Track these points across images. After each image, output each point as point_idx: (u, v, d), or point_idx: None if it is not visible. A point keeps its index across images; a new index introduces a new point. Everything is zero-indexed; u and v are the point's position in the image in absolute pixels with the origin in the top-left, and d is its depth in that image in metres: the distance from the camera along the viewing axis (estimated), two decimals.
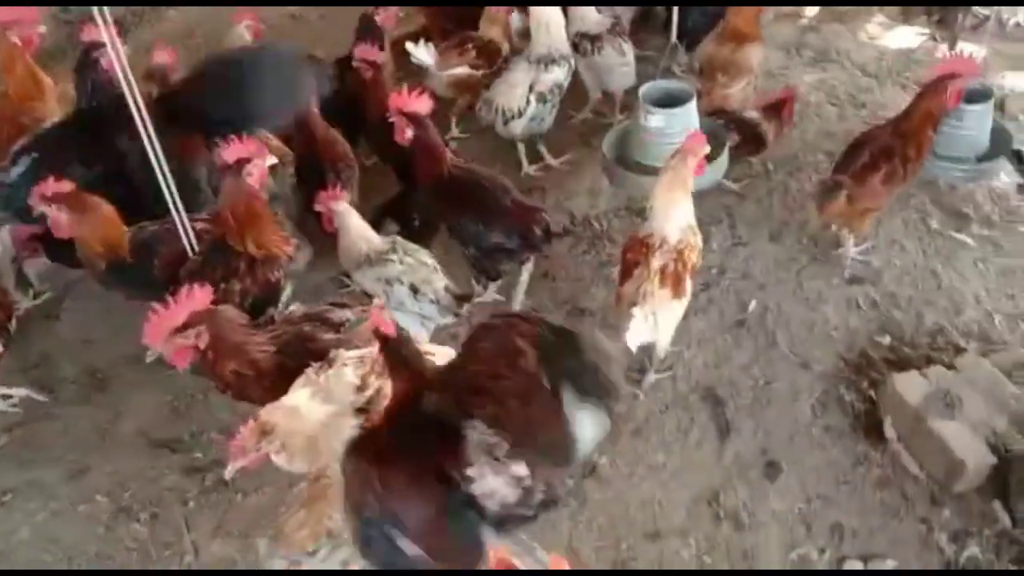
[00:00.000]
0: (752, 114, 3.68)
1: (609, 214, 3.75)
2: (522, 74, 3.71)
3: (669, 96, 3.45)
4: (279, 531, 2.20)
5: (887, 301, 3.21)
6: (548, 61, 3.68)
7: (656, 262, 2.61)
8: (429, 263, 2.92)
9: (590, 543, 2.55)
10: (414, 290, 2.85)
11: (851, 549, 2.47)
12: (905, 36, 4.71)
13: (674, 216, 2.70)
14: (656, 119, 3.37)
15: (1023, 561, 2.38)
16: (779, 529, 2.54)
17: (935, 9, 3.86)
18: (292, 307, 2.76)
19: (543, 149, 4.00)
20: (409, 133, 3.02)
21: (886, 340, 3.05)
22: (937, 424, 2.56)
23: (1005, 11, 3.82)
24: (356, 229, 3.00)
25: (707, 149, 2.80)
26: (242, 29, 4.10)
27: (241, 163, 2.66)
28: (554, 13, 3.67)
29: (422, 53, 3.82)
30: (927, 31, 4.53)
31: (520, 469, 1.92)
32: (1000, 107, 3.81)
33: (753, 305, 3.21)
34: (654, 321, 2.62)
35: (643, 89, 3.47)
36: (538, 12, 3.67)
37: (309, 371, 2.31)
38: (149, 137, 2.51)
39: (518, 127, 3.77)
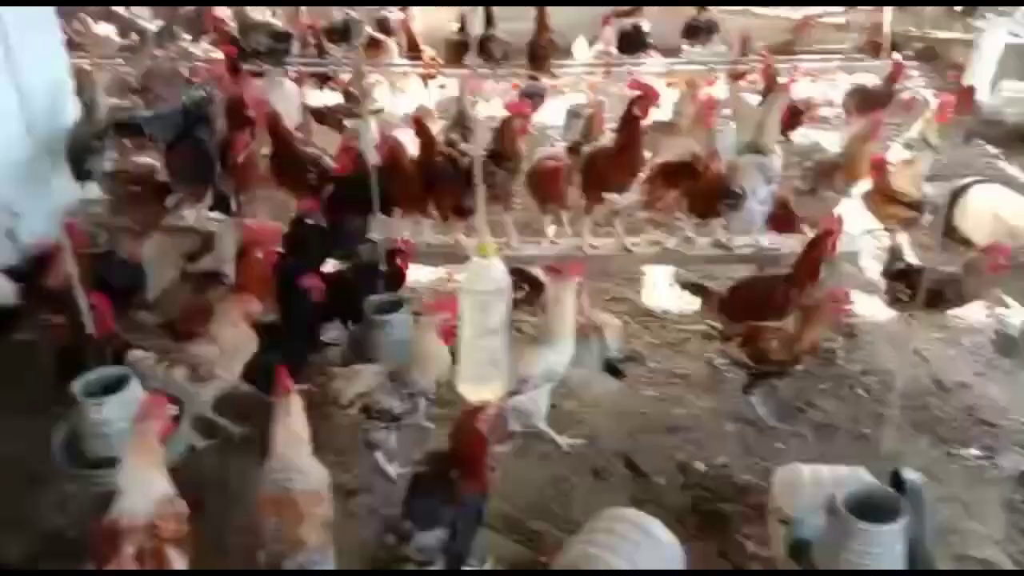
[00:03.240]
0: None
1: (85, 519, 3.40)
2: None
3: (112, 380, 3.32)
4: None
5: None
6: None
7: (129, 548, 2.42)
8: None
9: None
10: None
11: None
12: None
13: (145, 490, 2.56)
14: (109, 408, 3.21)
15: None
16: None
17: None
18: None
19: None
20: None
21: None
22: None
23: None
24: None
25: (173, 410, 2.77)
26: None
27: None
28: None
29: None
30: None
31: None
32: None
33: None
34: None
35: (79, 384, 3.27)
36: None
37: None
38: None
39: None
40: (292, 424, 2.78)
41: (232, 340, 3.52)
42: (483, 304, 2.48)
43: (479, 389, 2.63)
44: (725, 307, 4.01)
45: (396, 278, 4.22)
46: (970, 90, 5.53)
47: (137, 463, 2.57)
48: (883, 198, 4.65)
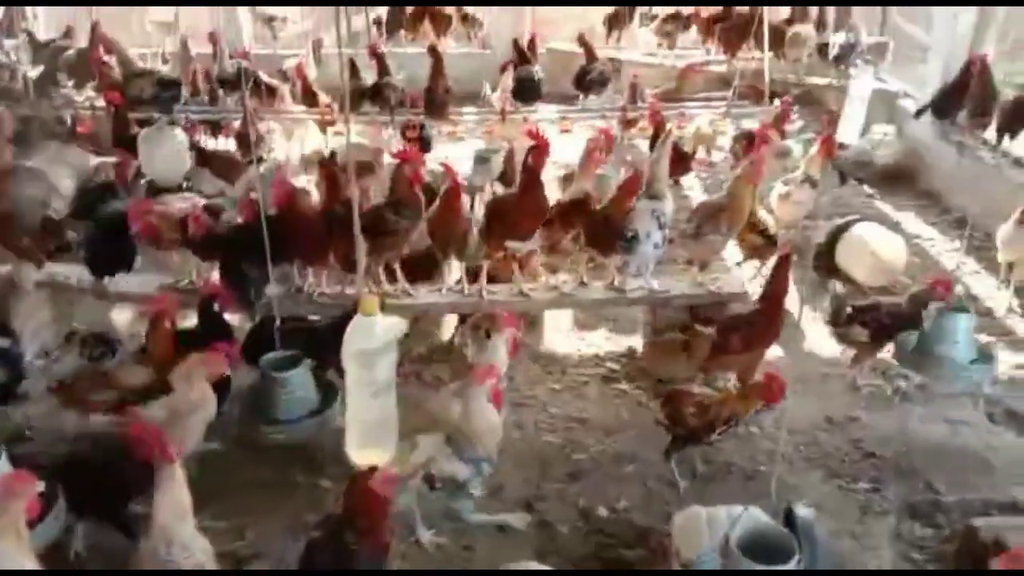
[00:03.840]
0: None
1: None
2: None
3: None
4: None
5: None
6: None
7: None
8: None
9: None
10: None
11: None
12: None
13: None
14: None
15: None
16: None
17: None
18: None
19: None
20: None
21: None
22: None
23: None
24: None
25: (39, 486, 2.59)
26: None
27: None
28: None
29: None
30: None
31: None
32: None
33: None
34: None
35: None
36: None
37: None
38: None
39: None
40: (175, 495, 2.64)
41: (193, 403, 3.31)
42: (367, 362, 2.41)
43: (366, 453, 2.56)
44: (718, 347, 4.09)
45: None
46: (830, 138, 5.89)
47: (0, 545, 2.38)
48: (746, 227, 4.89)
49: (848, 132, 6.61)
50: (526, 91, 7.94)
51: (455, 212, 4.27)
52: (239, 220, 4.48)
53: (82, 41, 8.44)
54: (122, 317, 5.04)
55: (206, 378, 3.36)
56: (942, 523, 3.55)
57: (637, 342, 4.83)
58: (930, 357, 3.96)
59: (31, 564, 2.43)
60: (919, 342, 4.03)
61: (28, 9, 9.78)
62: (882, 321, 4.31)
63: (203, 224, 4.24)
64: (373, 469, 2.57)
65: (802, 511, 3.03)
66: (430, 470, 3.19)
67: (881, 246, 5.45)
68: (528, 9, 9.82)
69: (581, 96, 8.33)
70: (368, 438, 2.52)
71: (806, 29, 8.54)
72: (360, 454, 2.54)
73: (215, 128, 7.45)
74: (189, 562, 2.55)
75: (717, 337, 4.07)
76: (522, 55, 8.28)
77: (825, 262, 5.51)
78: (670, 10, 9.47)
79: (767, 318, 4.07)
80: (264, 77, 8.02)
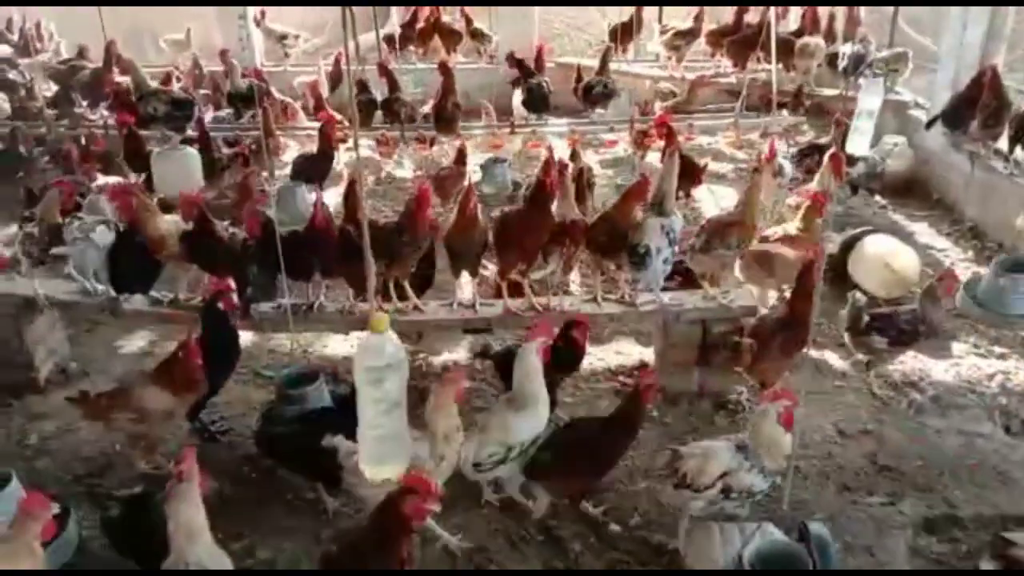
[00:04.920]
0: None
1: None
2: None
3: None
4: None
5: None
6: None
7: None
8: None
9: None
10: None
11: None
12: None
13: None
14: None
15: None
16: None
17: None
18: None
19: None
20: None
21: None
22: None
23: None
24: None
25: (53, 509, 2.60)
26: None
27: None
28: None
29: None
30: None
31: None
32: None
33: None
34: None
35: None
36: None
37: None
38: None
39: None
40: (186, 513, 2.64)
41: (444, 427, 3.22)
42: (377, 380, 2.44)
43: (380, 468, 2.57)
44: (758, 357, 4.12)
45: (574, 355, 4.05)
46: (837, 155, 5.87)
47: (15, 566, 2.40)
48: None
49: (858, 145, 6.57)
50: (536, 102, 8.01)
51: (471, 223, 4.28)
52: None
53: (96, 60, 8.56)
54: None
55: (454, 400, 3.25)
56: (960, 538, 3.51)
57: (649, 355, 4.82)
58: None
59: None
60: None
61: (43, 28, 9.95)
62: (901, 329, 4.37)
63: (195, 202, 4.24)
64: (411, 491, 2.57)
65: (816, 527, 3.01)
66: (730, 480, 3.24)
67: (894, 258, 5.42)
68: (536, 22, 9.88)
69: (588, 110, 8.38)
70: (379, 454, 2.53)
71: (815, 40, 8.53)
72: (373, 470, 2.55)
73: (228, 145, 7.51)
74: None
75: (759, 347, 4.08)
76: (523, 69, 8.31)
77: (837, 274, 5.48)
78: (681, 25, 9.48)
79: (802, 322, 3.90)
80: (277, 93, 8.12)
